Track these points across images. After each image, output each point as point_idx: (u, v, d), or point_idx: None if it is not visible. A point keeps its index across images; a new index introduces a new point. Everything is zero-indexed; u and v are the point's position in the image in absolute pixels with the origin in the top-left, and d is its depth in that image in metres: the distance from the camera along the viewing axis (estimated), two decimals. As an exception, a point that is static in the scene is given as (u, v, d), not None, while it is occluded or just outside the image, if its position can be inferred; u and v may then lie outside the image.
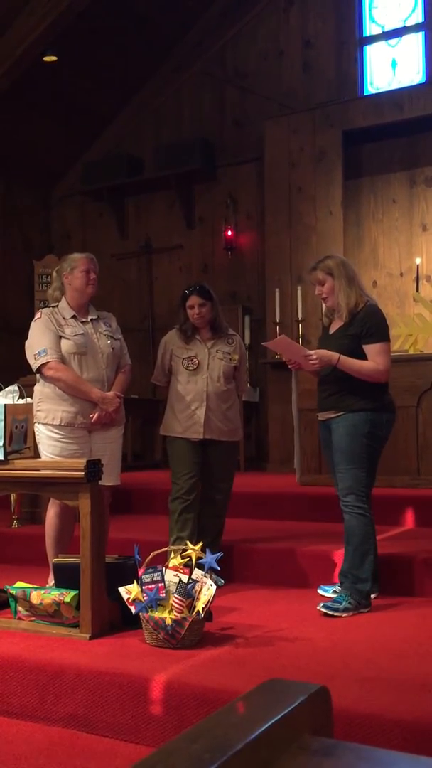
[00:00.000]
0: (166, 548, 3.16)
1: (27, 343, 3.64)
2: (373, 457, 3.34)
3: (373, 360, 3.31)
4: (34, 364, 3.58)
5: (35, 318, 3.66)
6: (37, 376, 3.65)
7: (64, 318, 3.63)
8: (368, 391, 3.32)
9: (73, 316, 3.65)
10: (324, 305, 3.55)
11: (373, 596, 3.32)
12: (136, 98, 8.61)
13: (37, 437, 3.52)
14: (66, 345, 3.57)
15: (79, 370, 3.56)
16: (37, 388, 3.64)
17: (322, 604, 3.21)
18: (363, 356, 3.33)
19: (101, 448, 3.59)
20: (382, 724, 2.10)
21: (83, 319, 3.68)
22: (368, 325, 3.33)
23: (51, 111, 8.05)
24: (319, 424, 3.56)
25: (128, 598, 2.85)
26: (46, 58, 7.20)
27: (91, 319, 3.71)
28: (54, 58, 7.21)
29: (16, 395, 3.46)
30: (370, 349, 3.32)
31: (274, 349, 3.67)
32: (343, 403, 3.34)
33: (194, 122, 8.34)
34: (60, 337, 3.57)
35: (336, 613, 3.16)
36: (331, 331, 3.48)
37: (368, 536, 3.29)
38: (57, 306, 3.69)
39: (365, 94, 7.53)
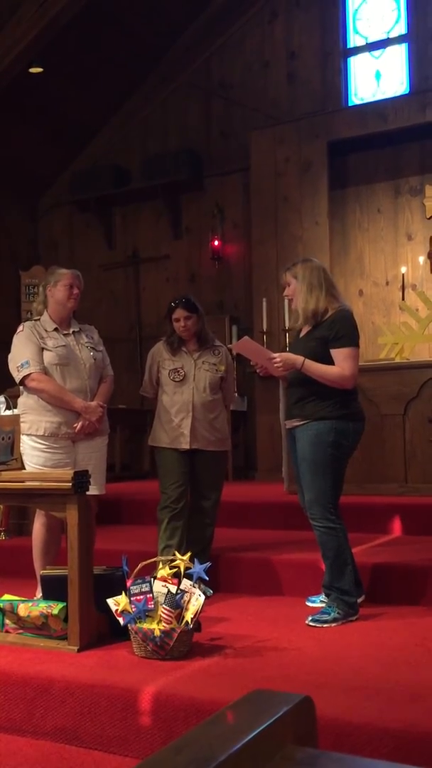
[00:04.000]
0: (154, 559, 3.15)
1: (9, 356, 3.67)
2: (338, 467, 3.24)
3: (339, 365, 3.21)
4: (17, 376, 3.62)
5: (17, 331, 3.70)
6: (21, 388, 3.68)
7: (46, 330, 3.67)
8: (335, 399, 3.22)
9: (55, 329, 3.69)
10: (291, 308, 3.54)
11: (359, 600, 3.32)
12: (123, 109, 8.64)
13: (21, 448, 3.52)
14: (48, 356, 3.60)
15: (61, 381, 3.59)
16: (20, 400, 3.69)
17: (310, 618, 3.19)
18: (331, 361, 3.24)
19: (86, 457, 3.61)
20: (371, 733, 2.10)
21: (65, 332, 3.71)
22: (337, 328, 3.24)
23: (38, 121, 8.06)
24: (286, 432, 3.49)
25: (116, 610, 2.84)
26: (32, 70, 7.22)
27: (73, 332, 3.75)
28: (40, 69, 7.23)
29: (3, 406, 3.46)
30: (337, 353, 3.22)
31: (239, 351, 3.60)
32: (307, 410, 3.25)
33: (181, 133, 8.38)
34: (42, 348, 3.61)
35: (324, 625, 3.14)
36: (302, 335, 3.43)
37: (342, 548, 3.23)
38: (39, 319, 3.73)
39: (350, 105, 7.60)
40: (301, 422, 3.29)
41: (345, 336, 3.25)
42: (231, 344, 3.68)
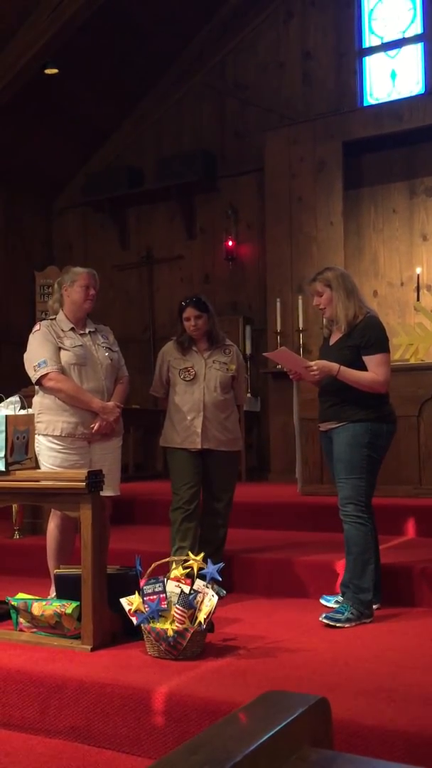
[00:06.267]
0: (167, 559, 3.16)
1: (26, 356, 3.66)
2: (373, 467, 3.35)
3: (372, 371, 3.33)
4: (34, 376, 3.59)
5: (34, 330, 3.68)
6: (36, 387, 3.66)
7: (62, 330, 3.66)
8: (369, 402, 3.33)
9: (72, 328, 3.68)
10: (323, 316, 3.58)
11: (375, 607, 3.31)
12: (137, 110, 8.66)
13: (36, 449, 3.52)
14: (65, 356, 3.59)
15: (78, 381, 3.58)
16: (36, 399, 3.65)
17: (324, 615, 3.21)
18: (363, 367, 3.35)
19: (101, 458, 3.60)
20: (384, 735, 2.09)
21: (81, 332, 3.70)
22: (368, 336, 3.35)
23: (52, 123, 8.09)
24: (321, 434, 3.57)
25: (130, 609, 2.84)
26: (48, 71, 7.24)
27: (89, 332, 3.74)
28: (55, 70, 7.25)
29: (18, 406, 3.46)
30: (369, 360, 3.34)
31: (275, 359, 3.71)
32: (343, 413, 3.36)
33: (195, 134, 8.39)
34: (59, 348, 3.59)
35: (338, 624, 3.15)
36: (331, 342, 3.51)
37: (368, 546, 3.29)
38: (55, 318, 3.71)
39: (365, 104, 7.57)
40: (338, 424, 3.37)
41: (376, 343, 3.36)
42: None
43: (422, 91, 7.29)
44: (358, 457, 3.30)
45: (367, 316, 3.41)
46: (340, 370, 3.33)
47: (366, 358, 3.35)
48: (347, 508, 3.31)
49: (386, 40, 7.64)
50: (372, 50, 7.70)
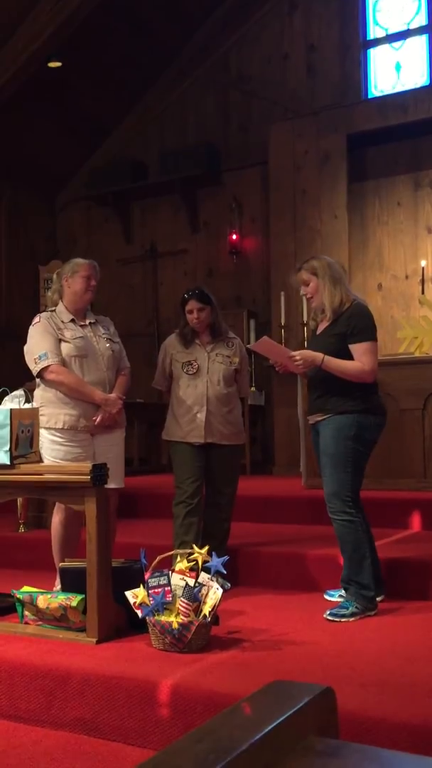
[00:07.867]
0: (172, 552, 3.16)
1: (26, 348, 3.63)
2: (359, 461, 3.25)
3: (359, 360, 3.24)
4: (35, 369, 3.57)
5: (33, 322, 3.64)
6: (37, 380, 3.63)
7: (62, 321, 3.62)
8: (355, 393, 3.24)
9: (72, 320, 3.64)
10: (311, 306, 3.53)
11: (379, 599, 3.30)
12: (141, 104, 8.64)
13: (39, 442, 3.51)
14: (66, 348, 3.56)
15: (80, 373, 3.55)
16: (37, 392, 3.63)
17: (328, 612, 3.19)
18: (350, 356, 3.26)
19: (104, 451, 3.59)
20: (390, 727, 2.09)
21: (82, 323, 3.67)
22: (354, 324, 3.26)
23: (56, 117, 8.08)
24: (310, 428, 3.50)
25: (135, 602, 2.84)
26: (51, 64, 7.23)
27: (90, 323, 3.70)
28: (59, 63, 7.24)
29: (22, 400, 3.45)
30: (356, 348, 3.25)
31: (258, 351, 3.62)
32: (329, 405, 3.28)
33: (198, 127, 8.37)
34: (60, 340, 3.57)
35: (343, 620, 3.14)
36: (318, 331, 3.45)
37: (360, 542, 3.22)
38: (55, 310, 3.68)
39: (369, 97, 7.54)
40: (324, 416, 3.30)
41: (362, 331, 3.27)
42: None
43: (427, 83, 7.26)
44: (344, 450, 3.21)
45: (354, 303, 3.32)
46: (324, 360, 3.24)
47: (352, 347, 3.24)
48: (334, 503, 3.24)
49: (391, 31, 7.60)
50: (376, 42, 7.67)
